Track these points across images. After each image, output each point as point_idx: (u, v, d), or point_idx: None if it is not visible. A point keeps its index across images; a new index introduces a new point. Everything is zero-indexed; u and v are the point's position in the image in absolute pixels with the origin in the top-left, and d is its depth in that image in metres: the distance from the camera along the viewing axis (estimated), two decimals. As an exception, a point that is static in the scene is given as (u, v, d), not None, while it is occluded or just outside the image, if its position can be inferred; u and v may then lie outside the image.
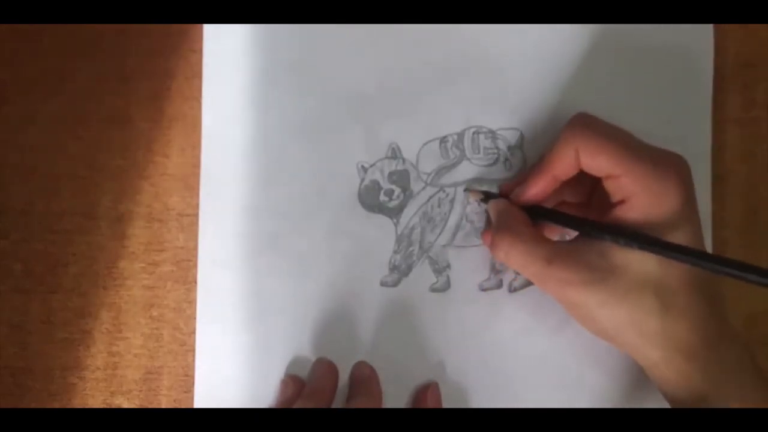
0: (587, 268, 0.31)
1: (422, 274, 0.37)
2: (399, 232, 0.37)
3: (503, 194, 0.36)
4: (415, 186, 0.37)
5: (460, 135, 0.38)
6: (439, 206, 0.37)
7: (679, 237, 0.31)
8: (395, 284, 0.37)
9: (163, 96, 0.38)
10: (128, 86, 0.38)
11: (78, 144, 0.38)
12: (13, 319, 0.37)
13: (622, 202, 0.32)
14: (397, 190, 0.37)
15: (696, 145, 0.38)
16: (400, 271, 0.37)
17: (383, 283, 0.37)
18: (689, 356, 0.31)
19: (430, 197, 0.37)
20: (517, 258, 0.33)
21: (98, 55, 0.38)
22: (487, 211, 0.37)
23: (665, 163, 0.31)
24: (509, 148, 0.38)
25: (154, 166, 0.38)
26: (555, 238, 0.36)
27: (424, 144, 0.37)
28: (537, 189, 0.34)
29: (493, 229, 0.34)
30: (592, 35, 0.38)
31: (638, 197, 0.31)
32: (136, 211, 0.38)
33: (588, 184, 0.35)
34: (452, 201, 0.37)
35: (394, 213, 0.37)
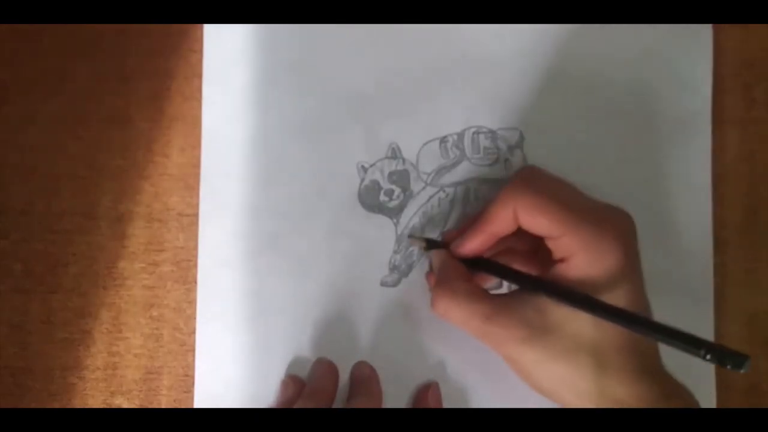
0: (524, 324, 0.31)
1: (422, 274, 0.37)
2: (399, 232, 0.37)
3: (446, 241, 0.36)
4: (415, 186, 0.37)
5: (460, 135, 0.38)
6: (439, 206, 0.37)
7: (617, 297, 0.30)
8: (395, 284, 0.37)
9: (163, 96, 0.38)
10: (128, 86, 0.38)
11: (78, 144, 0.38)
12: (13, 319, 0.37)
13: (562, 260, 0.32)
14: (397, 190, 0.37)
15: (696, 146, 0.38)
16: (400, 271, 0.37)
17: (383, 283, 0.37)
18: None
19: (430, 197, 0.37)
20: (456, 315, 0.33)
21: (98, 55, 0.38)
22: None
23: (605, 223, 0.31)
24: (509, 148, 0.38)
25: (154, 166, 0.38)
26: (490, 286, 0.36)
27: (424, 144, 0.38)
28: (474, 245, 0.34)
29: (434, 283, 0.35)
30: (592, 35, 0.38)
31: (577, 257, 0.31)
32: (136, 211, 0.38)
33: (532, 236, 0.34)
34: (452, 201, 0.37)
35: (394, 213, 0.37)
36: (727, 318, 0.37)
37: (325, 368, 0.36)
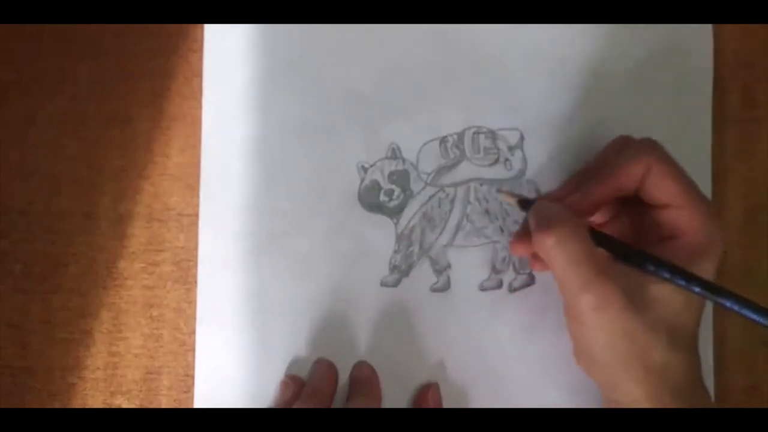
0: (628, 294, 0.30)
1: (422, 274, 0.37)
2: (399, 232, 0.37)
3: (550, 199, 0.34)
4: (415, 186, 0.37)
5: (460, 135, 0.38)
6: (439, 206, 0.37)
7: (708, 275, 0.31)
8: (395, 284, 0.37)
9: (163, 96, 0.38)
10: (128, 86, 0.38)
11: (78, 144, 0.38)
12: (13, 319, 0.37)
13: (671, 238, 0.31)
14: (397, 190, 0.37)
15: (696, 145, 0.38)
16: (400, 271, 0.37)
17: (383, 283, 0.37)
18: (675, 395, 0.30)
19: (430, 197, 0.37)
20: (573, 250, 0.30)
21: (98, 55, 0.38)
22: (524, 216, 0.34)
23: (712, 205, 0.31)
24: (509, 148, 0.38)
25: (154, 166, 0.38)
26: None
27: (424, 144, 0.38)
28: (598, 196, 0.32)
29: (555, 222, 0.31)
30: (592, 35, 0.38)
31: (691, 236, 0.31)
32: (136, 211, 0.38)
33: (633, 216, 0.33)
34: (452, 201, 0.37)
35: (394, 213, 0.37)
36: (726, 318, 0.37)
37: (324, 368, 0.36)
